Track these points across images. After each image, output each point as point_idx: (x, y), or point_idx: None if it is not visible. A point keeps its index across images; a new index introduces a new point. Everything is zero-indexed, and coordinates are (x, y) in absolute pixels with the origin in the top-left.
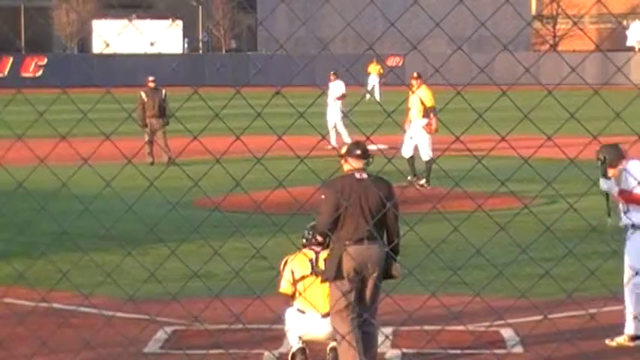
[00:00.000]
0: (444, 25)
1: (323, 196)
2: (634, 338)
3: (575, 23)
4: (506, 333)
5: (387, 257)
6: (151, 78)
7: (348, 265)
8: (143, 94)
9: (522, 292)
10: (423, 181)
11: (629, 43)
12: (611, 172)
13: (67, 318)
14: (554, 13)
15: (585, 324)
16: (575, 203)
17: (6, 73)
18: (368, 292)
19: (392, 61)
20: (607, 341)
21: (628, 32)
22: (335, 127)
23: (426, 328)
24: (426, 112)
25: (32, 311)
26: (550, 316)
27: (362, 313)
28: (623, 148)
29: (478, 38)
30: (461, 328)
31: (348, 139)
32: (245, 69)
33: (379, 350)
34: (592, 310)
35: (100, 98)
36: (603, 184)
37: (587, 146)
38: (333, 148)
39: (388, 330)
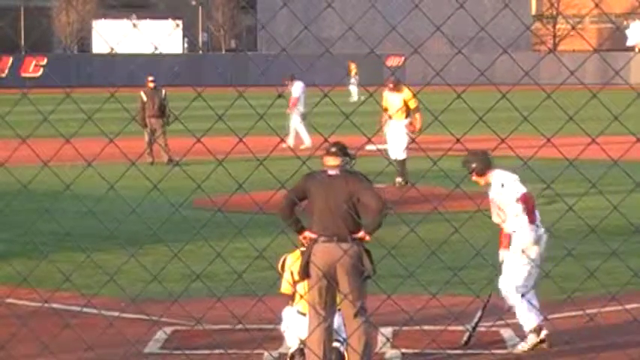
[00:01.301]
0: (444, 25)
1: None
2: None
3: (573, 27)
4: (506, 333)
5: (360, 255)
6: (150, 78)
7: (315, 263)
8: (143, 94)
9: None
10: (400, 179)
11: (629, 43)
12: (482, 180)
13: (68, 319)
14: (554, 13)
15: (584, 325)
16: (574, 204)
17: (6, 73)
18: (344, 291)
19: (393, 61)
20: (510, 349)
21: (628, 32)
22: (295, 128)
23: (426, 328)
24: (408, 113)
25: (34, 312)
26: (549, 316)
27: (357, 314)
28: (490, 155)
29: (479, 38)
30: (461, 328)
31: (308, 141)
32: (245, 69)
33: (379, 350)
34: (591, 311)
35: (107, 99)
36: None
37: (587, 147)
38: (289, 147)
39: (388, 330)
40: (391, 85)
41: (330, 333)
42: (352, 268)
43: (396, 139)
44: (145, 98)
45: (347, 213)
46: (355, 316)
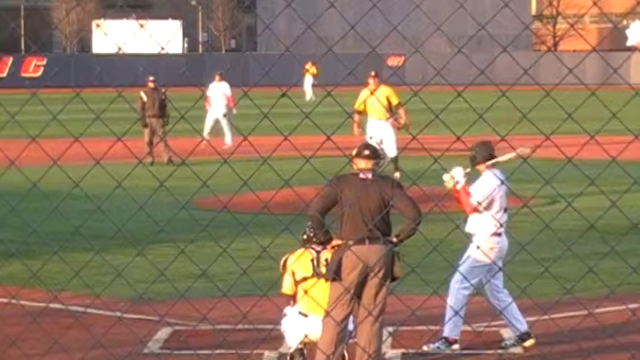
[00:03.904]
0: (444, 24)
1: (324, 186)
2: (453, 342)
3: (571, 25)
4: (506, 333)
5: (392, 257)
6: (150, 78)
7: (347, 265)
8: (143, 94)
9: (523, 290)
10: (397, 174)
11: (629, 43)
12: (481, 167)
13: (72, 318)
14: (554, 13)
15: (585, 323)
16: (573, 202)
17: (6, 73)
18: (371, 293)
19: (393, 61)
20: (424, 347)
21: (628, 32)
22: (221, 125)
23: (426, 327)
24: (391, 110)
25: (37, 312)
26: (552, 316)
27: (366, 313)
28: (493, 149)
29: (478, 37)
30: (461, 327)
31: (229, 141)
32: (245, 69)
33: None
34: (592, 310)
35: (114, 99)
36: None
37: (585, 144)
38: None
39: (388, 330)
40: (375, 80)
41: (343, 337)
42: (384, 270)
43: (383, 138)
44: (145, 98)
45: (379, 216)
46: (374, 319)
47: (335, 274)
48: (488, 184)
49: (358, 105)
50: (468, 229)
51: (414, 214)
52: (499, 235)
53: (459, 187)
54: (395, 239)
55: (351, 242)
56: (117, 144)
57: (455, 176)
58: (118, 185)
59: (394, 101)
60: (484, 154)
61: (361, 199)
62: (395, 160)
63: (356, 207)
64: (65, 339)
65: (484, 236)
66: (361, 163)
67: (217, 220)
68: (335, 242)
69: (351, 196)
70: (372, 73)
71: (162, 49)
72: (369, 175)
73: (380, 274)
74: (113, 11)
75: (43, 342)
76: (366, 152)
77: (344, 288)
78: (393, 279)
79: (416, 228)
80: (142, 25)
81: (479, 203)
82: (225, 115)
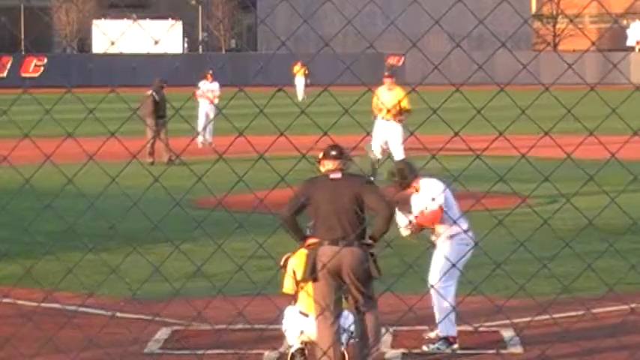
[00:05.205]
0: (444, 22)
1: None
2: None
3: (571, 21)
4: (506, 332)
5: (367, 259)
6: (164, 79)
7: (321, 266)
8: (155, 95)
9: (521, 286)
10: None
11: (629, 43)
12: (415, 184)
13: (69, 317)
14: (554, 12)
15: (584, 322)
16: (571, 199)
17: (6, 73)
18: (355, 293)
19: (392, 61)
20: (424, 348)
21: (628, 32)
22: (207, 125)
23: (426, 327)
24: (400, 113)
25: (34, 311)
26: (548, 314)
27: (359, 307)
28: (414, 165)
29: (479, 36)
30: (461, 327)
31: (201, 138)
32: (244, 69)
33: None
34: (590, 308)
35: (104, 97)
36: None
37: (585, 140)
38: (210, 144)
39: (388, 328)
40: (391, 80)
41: (338, 334)
42: (359, 271)
43: (389, 140)
44: (157, 98)
45: (352, 215)
46: (367, 310)
47: (311, 275)
48: (434, 186)
49: (375, 104)
50: (434, 237)
51: (385, 211)
52: (468, 230)
53: (411, 219)
54: (370, 241)
55: (325, 242)
56: (117, 143)
57: (401, 221)
58: (111, 182)
59: (407, 106)
60: (410, 172)
61: (333, 200)
62: None
63: (328, 208)
64: (62, 339)
65: (457, 235)
66: (329, 164)
67: (218, 219)
68: (310, 241)
69: (324, 197)
70: (386, 74)
71: (156, 42)
72: (339, 175)
73: (355, 275)
74: (113, 11)
75: (38, 341)
76: (333, 153)
77: (324, 286)
78: (372, 278)
79: (388, 225)
80: (135, 21)
81: (441, 208)
82: (216, 114)
